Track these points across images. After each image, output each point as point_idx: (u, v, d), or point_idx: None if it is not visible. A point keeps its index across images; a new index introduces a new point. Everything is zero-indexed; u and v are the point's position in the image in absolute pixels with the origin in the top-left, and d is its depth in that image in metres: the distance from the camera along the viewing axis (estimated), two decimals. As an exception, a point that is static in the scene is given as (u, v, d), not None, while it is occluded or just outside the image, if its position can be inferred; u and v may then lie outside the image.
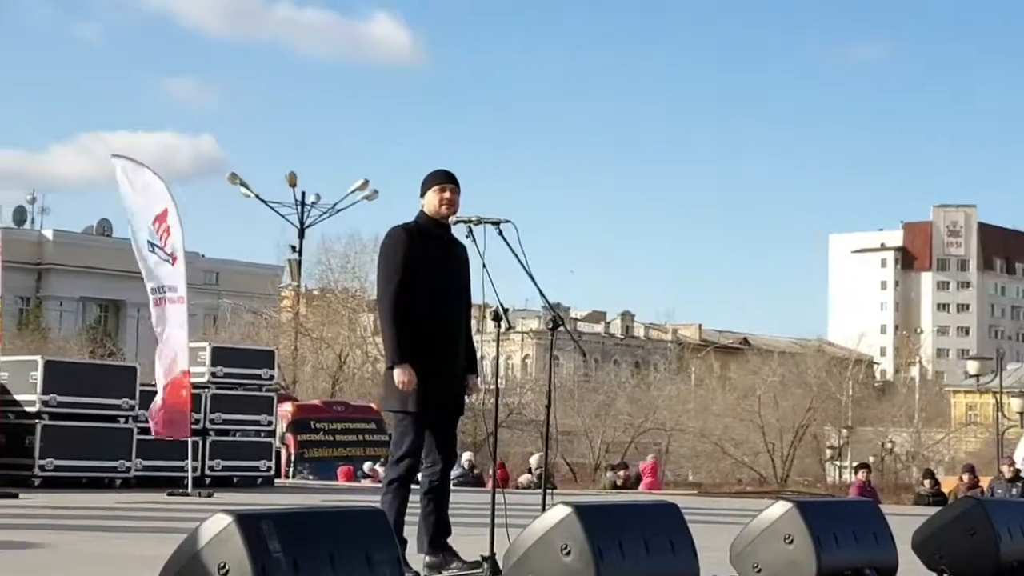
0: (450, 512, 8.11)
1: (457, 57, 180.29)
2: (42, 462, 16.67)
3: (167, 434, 16.51)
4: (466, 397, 8.23)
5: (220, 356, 19.05)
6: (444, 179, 8.13)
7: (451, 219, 8.06)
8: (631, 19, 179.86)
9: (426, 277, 7.95)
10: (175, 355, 16.34)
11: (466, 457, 26.86)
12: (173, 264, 16.48)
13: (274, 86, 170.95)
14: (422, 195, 8.15)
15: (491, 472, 25.58)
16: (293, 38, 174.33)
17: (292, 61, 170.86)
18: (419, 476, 8.08)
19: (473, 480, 26.15)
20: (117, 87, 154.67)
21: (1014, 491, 22.49)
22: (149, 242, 16.57)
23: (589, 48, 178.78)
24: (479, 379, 8.31)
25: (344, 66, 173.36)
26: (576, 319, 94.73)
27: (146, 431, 17.11)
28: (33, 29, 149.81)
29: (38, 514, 12.71)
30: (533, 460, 29.76)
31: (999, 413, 50.52)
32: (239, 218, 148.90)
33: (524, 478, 27.94)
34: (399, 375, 7.79)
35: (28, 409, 16.79)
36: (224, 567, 5.16)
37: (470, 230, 7.97)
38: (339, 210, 39.96)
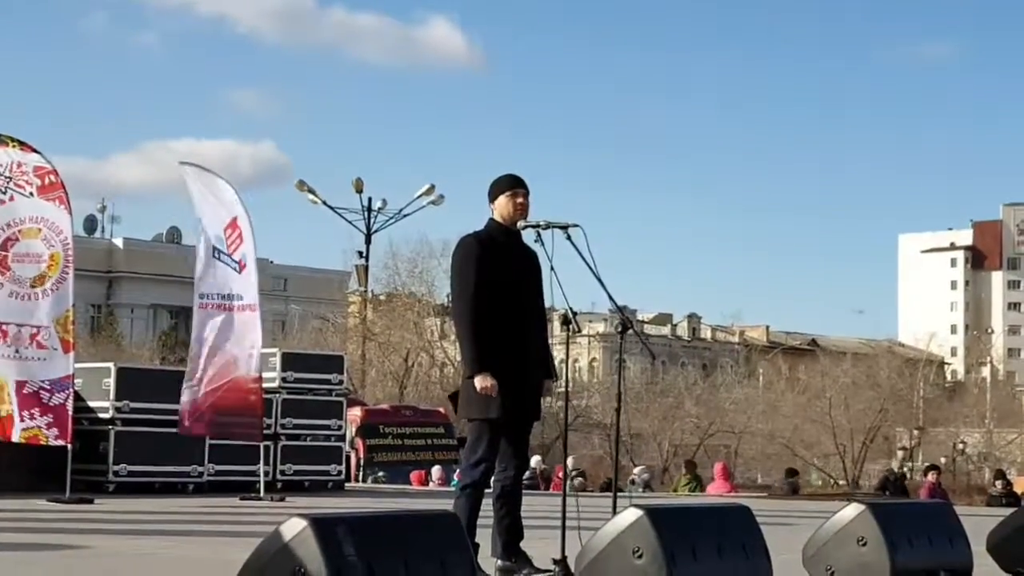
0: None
1: (515, 60, 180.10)
2: (116, 468, 16.85)
3: (207, 433, 16.63)
4: (542, 400, 8.25)
5: (290, 361, 19.18)
6: (516, 184, 8.16)
7: (519, 224, 8.09)
8: (690, 17, 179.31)
9: (499, 285, 7.96)
10: (235, 360, 16.42)
11: (535, 460, 26.80)
12: (241, 272, 16.59)
13: (332, 91, 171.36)
14: (491, 201, 8.18)
15: (558, 475, 25.64)
16: (348, 43, 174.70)
17: (349, 66, 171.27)
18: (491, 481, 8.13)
19: (540, 483, 26.13)
20: (176, 95, 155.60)
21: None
22: (215, 248, 16.70)
23: (650, 47, 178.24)
24: (555, 382, 8.29)
25: (402, 71, 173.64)
26: (643, 321, 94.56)
27: (218, 436, 17.30)
28: (90, 37, 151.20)
29: (113, 519, 12.85)
30: (568, 462, 29.41)
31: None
32: (305, 224, 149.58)
33: (578, 481, 27.74)
34: (480, 382, 7.81)
35: (101, 416, 16.98)
36: (301, 570, 5.21)
37: (538, 235, 8.01)
38: (405, 215, 40.18)
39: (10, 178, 15.57)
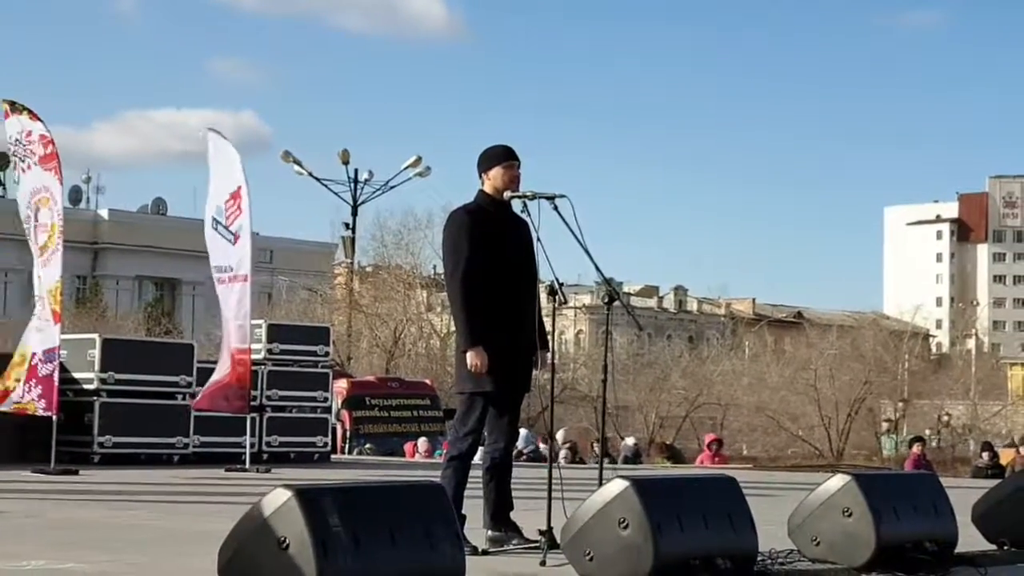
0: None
1: (496, 29, 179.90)
2: (101, 439, 16.81)
3: (209, 408, 16.63)
4: (535, 371, 8.22)
5: (276, 333, 19.15)
6: (511, 155, 8.11)
7: (506, 195, 8.04)
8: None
9: (492, 258, 7.92)
10: (230, 332, 16.45)
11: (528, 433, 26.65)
12: (235, 244, 16.56)
13: (313, 60, 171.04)
14: (485, 172, 8.11)
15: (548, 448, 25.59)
16: (328, 12, 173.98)
17: (329, 35, 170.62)
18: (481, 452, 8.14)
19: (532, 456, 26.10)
20: (154, 63, 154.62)
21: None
22: (214, 219, 16.67)
23: (634, 17, 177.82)
24: (549, 354, 8.22)
25: (382, 40, 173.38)
26: (629, 293, 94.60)
27: (212, 409, 17.36)
28: (64, 3, 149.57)
29: (98, 490, 12.83)
30: (560, 434, 29.41)
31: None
32: (290, 194, 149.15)
33: (563, 454, 27.74)
34: (472, 358, 7.81)
35: (86, 387, 16.94)
36: (285, 542, 5.20)
37: (525, 205, 7.97)
38: (392, 187, 40.11)
39: (25, 146, 15.59)
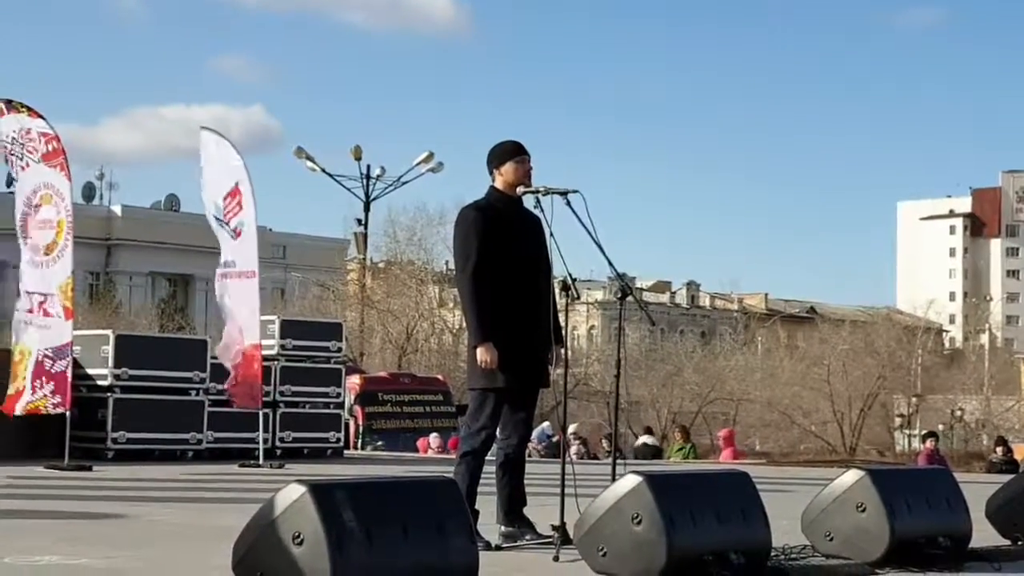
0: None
1: (503, 25, 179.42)
2: (115, 435, 16.85)
3: (241, 404, 16.69)
4: (549, 368, 8.20)
5: (289, 329, 19.17)
6: (522, 150, 8.09)
7: (519, 190, 8.03)
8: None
9: (502, 254, 7.90)
10: (239, 329, 16.48)
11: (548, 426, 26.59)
12: (236, 239, 16.59)
13: (320, 56, 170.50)
14: (496, 168, 8.09)
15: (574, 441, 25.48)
16: (332, 8, 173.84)
17: (335, 32, 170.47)
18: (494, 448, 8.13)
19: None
20: (162, 59, 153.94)
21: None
22: (215, 217, 16.71)
23: (645, 14, 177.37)
24: (563, 350, 8.19)
25: (389, 36, 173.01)
26: (641, 289, 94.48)
27: (217, 403, 17.36)
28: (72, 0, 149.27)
29: (112, 486, 12.86)
30: (571, 429, 29.27)
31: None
32: (301, 191, 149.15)
33: (574, 448, 27.71)
34: (482, 354, 7.79)
35: (100, 383, 16.98)
36: (299, 537, 5.21)
37: (538, 201, 7.95)
38: (404, 183, 40.10)
39: (23, 144, 15.59)
